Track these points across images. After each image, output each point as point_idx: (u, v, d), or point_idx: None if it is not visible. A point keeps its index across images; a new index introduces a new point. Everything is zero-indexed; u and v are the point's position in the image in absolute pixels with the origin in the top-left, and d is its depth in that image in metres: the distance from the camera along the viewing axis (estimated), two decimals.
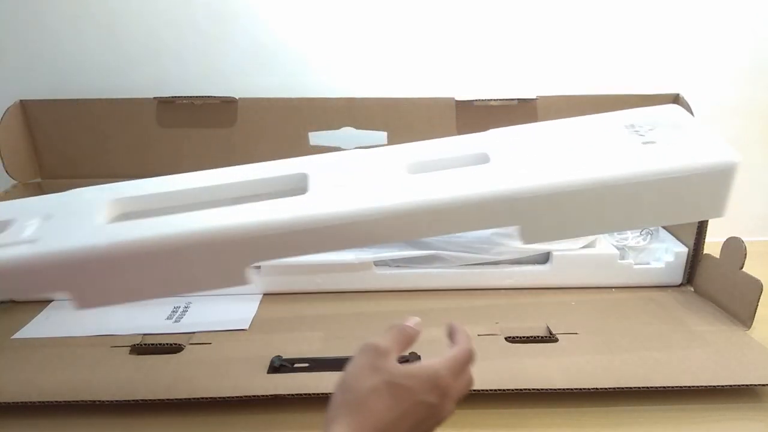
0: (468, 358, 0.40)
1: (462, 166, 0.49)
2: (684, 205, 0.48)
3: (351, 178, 0.49)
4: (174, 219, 0.46)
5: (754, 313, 0.64)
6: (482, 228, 0.48)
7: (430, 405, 0.36)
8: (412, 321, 0.42)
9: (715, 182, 0.48)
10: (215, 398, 0.52)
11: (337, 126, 0.81)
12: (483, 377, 0.55)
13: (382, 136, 0.82)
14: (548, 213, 0.46)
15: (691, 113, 0.76)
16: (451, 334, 0.43)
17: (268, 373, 0.56)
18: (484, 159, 0.50)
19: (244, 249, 0.45)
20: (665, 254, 0.75)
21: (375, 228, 0.46)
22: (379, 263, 0.73)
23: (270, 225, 0.44)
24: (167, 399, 0.53)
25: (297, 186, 0.50)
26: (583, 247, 0.74)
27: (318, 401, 0.53)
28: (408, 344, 0.40)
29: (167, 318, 0.67)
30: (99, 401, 0.53)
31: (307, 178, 0.49)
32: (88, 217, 0.47)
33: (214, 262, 0.46)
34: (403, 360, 0.57)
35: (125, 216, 0.50)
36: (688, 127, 0.51)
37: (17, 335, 0.64)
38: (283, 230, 0.45)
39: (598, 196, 0.45)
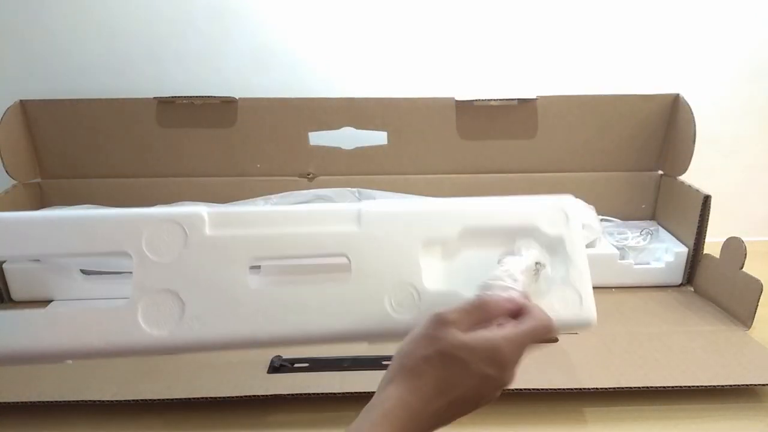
0: (545, 334, 0.38)
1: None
2: None
3: None
4: None
5: (754, 313, 0.64)
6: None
7: (485, 376, 0.35)
8: (504, 292, 0.39)
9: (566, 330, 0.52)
10: (215, 398, 0.52)
11: (337, 126, 0.81)
12: None
13: (382, 135, 0.82)
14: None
15: (691, 113, 0.77)
16: (521, 310, 0.39)
17: (268, 373, 0.56)
18: (343, 259, 0.49)
19: None
20: (665, 254, 0.75)
21: None
22: None
23: None
24: (167, 399, 0.52)
25: None
26: None
27: (318, 401, 0.53)
28: (484, 319, 0.37)
29: None
30: (99, 401, 0.53)
31: None
32: None
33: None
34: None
35: None
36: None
37: None
38: None
39: None
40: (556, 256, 0.48)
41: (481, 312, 0.38)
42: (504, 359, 0.36)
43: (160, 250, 0.44)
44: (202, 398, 0.52)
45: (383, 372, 0.55)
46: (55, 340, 0.42)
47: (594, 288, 0.74)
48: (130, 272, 0.67)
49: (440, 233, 0.48)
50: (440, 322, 0.36)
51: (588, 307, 0.49)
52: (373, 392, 0.53)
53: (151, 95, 0.80)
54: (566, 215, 0.48)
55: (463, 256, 0.49)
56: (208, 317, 0.43)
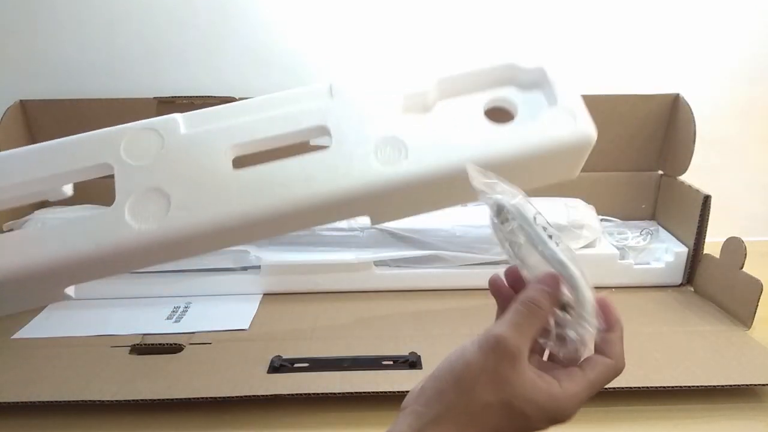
0: (613, 377, 0.33)
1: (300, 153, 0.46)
2: (535, 176, 0.48)
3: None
4: None
5: (754, 313, 0.64)
6: (323, 223, 0.46)
7: (537, 429, 0.32)
8: (551, 282, 0.34)
9: (570, 155, 0.49)
10: (215, 398, 0.52)
11: None
12: None
13: None
14: (397, 201, 0.45)
15: (691, 113, 0.77)
16: (604, 342, 0.34)
17: (268, 373, 0.56)
18: (323, 132, 0.47)
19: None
20: (665, 254, 0.75)
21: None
22: (379, 263, 0.73)
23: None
24: (167, 399, 0.53)
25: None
26: (583, 247, 0.74)
27: (318, 401, 0.53)
28: (544, 321, 0.33)
29: (167, 318, 0.67)
30: (99, 401, 0.53)
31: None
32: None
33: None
34: (404, 360, 0.57)
35: None
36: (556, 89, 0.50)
37: (17, 335, 0.64)
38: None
39: (444, 183, 0.44)
40: (540, 88, 0.47)
41: (537, 317, 0.33)
42: (566, 418, 0.32)
43: (140, 155, 0.45)
44: (202, 398, 0.52)
45: (383, 372, 0.56)
46: (44, 251, 0.41)
47: (594, 288, 0.74)
48: (130, 272, 0.67)
49: (417, 87, 0.46)
50: (506, 355, 0.31)
51: (583, 120, 0.47)
52: (374, 392, 0.53)
53: (151, 95, 0.80)
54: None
55: (444, 105, 0.47)
56: (194, 205, 0.42)
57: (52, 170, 0.45)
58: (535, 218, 0.34)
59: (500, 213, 0.35)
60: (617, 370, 0.33)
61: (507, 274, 0.37)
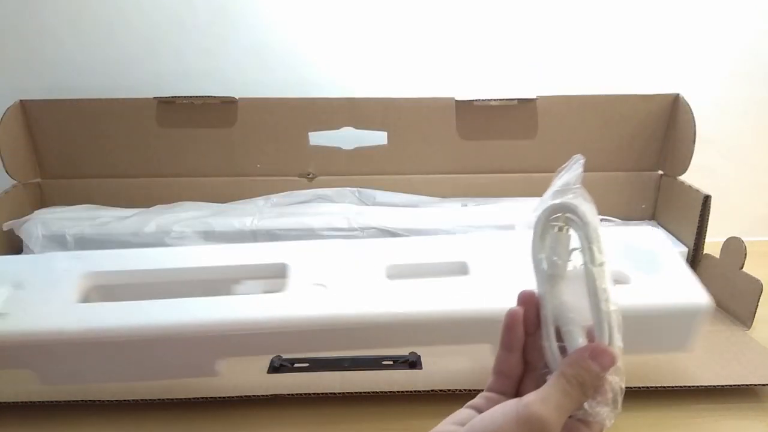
0: None
1: (440, 275, 0.49)
2: (651, 340, 0.49)
3: (330, 276, 0.49)
4: (146, 307, 0.45)
5: (754, 313, 0.64)
6: (456, 343, 0.48)
7: None
8: (607, 363, 0.29)
9: (685, 321, 0.49)
10: (215, 398, 0.52)
11: (337, 126, 0.81)
12: (483, 378, 0.55)
13: (382, 135, 0.82)
14: None
15: (691, 113, 0.77)
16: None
17: (268, 373, 0.56)
18: (463, 269, 0.50)
19: (215, 345, 0.45)
20: None
21: (351, 334, 0.46)
22: None
23: (243, 323, 0.44)
24: (167, 399, 0.52)
25: (276, 274, 0.50)
26: None
27: (318, 401, 0.53)
28: (581, 405, 0.29)
29: (518, 299, 0.66)
30: (99, 401, 0.52)
31: (286, 270, 0.50)
32: (59, 292, 0.46)
33: (184, 355, 0.45)
34: (404, 360, 0.57)
35: (98, 290, 0.49)
36: (662, 258, 0.51)
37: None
38: (256, 329, 0.44)
39: None
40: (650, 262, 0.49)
41: (580, 402, 0.29)
42: None
43: None
44: (202, 398, 0.52)
45: (383, 372, 0.56)
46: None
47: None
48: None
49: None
50: None
51: (695, 288, 0.48)
52: (373, 392, 0.53)
53: (151, 95, 0.80)
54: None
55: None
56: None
57: None
58: (600, 253, 0.29)
59: (564, 213, 0.29)
60: None
61: (524, 303, 0.32)
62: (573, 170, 0.31)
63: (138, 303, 0.46)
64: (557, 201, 0.30)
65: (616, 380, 0.29)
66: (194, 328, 0.44)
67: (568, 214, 0.29)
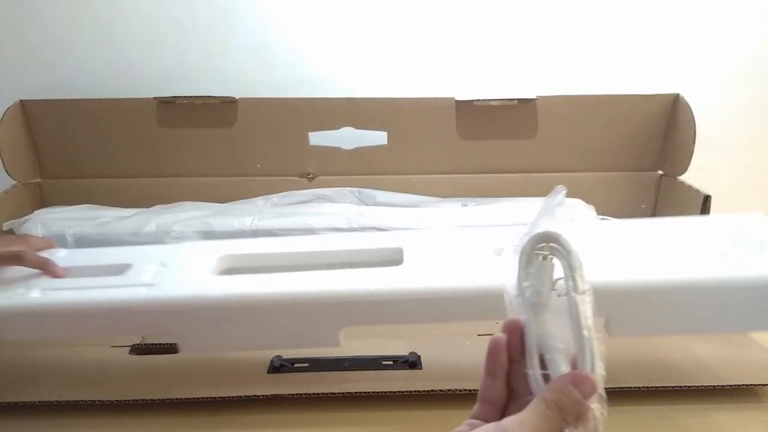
0: None
1: None
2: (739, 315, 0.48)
3: (443, 256, 0.52)
4: (278, 278, 0.49)
5: None
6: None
7: None
8: (588, 390, 0.29)
9: None
10: (215, 398, 0.52)
11: (337, 126, 0.81)
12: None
13: (382, 136, 0.82)
14: (635, 307, 0.47)
15: (691, 113, 0.77)
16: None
17: (268, 373, 0.56)
18: None
19: (340, 313, 0.48)
20: None
21: (464, 305, 0.47)
22: None
23: (365, 292, 0.47)
24: (167, 399, 0.52)
25: (392, 258, 0.52)
26: None
27: (318, 401, 0.53)
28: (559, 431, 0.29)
29: (501, 327, 0.66)
30: (99, 401, 0.52)
31: (402, 252, 0.52)
32: (199, 268, 0.51)
33: (310, 323, 0.48)
34: (404, 360, 0.57)
35: (231, 271, 0.54)
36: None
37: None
38: (377, 298, 0.47)
39: (684, 295, 0.47)
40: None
41: (560, 428, 0.29)
42: None
43: None
44: (202, 398, 0.52)
45: (383, 372, 0.56)
46: None
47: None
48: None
49: None
50: None
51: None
52: (373, 392, 0.53)
53: (151, 95, 0.80)
54: None
55: None
56: None
57: None
58: (584, 283, 0.29)
59: (548, 243, 0.30)
60: None
61: (508, 330, 0.32)
62: (556, 200, 0.32)
63: (270, 275, 0.50)
64: (541, 231, 0.30)
65: (598, 408, 0.29)
66: (321, 295, 0.47)
67: (552, 244, 0.30)
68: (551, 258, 0.30)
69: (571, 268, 0.29)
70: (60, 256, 0.54)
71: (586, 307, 0.29)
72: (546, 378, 0.30)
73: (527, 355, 0.31)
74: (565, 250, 0.29)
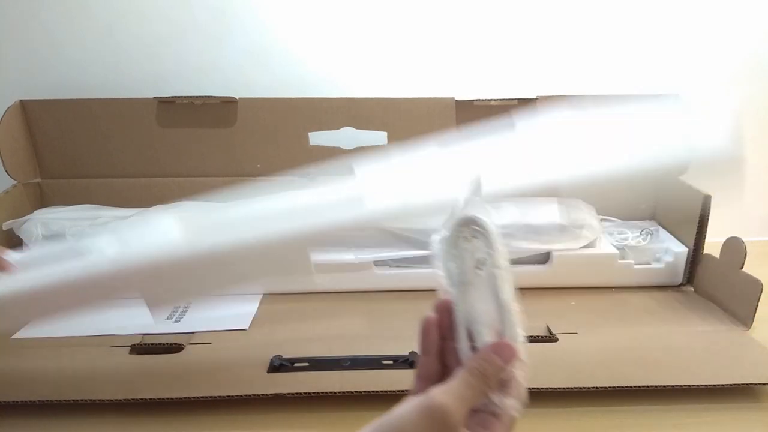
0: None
1: None
2: None
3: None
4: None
5: (754, 313, 0.64)
6: None
7: None
8: (508, 357, 0.32)
9: None
10: (215, 398, 0.52)
11: (337, 126, 0.81)
12: None
13: (382, 136, 0.82)
14: None
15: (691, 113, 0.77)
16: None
17: (268, 372, 0.56)
18: None
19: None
20: (665, 254, 0.75)
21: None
22: (379, 263, 0.73)
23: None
24: (167, 399, 0.52)
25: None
26: (583, 247, 0.74)
27: (318, 401, 0.53)
28: (487, 395, 0.32)
29: (167, 318, 0.67)
30: (99, 401, 0.53)
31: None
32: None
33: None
34: (404, 360, 0.57)
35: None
36: None
37: (17, 335, 0.64)
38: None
39: None
40: None
41: (484, 394, 0.32)
42: None
43: None
44: (202, 398, 0.52)
45: (383, 372, 0.56)
46: None
47: (594, 288, 0.74)
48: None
49: None
50: (447, 428, 0.30)
51: None
52: (373, 392, 0.53)
53: (151, 95, 0.80)
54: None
55: None
56: None
57: None
58: (503, 259, 0.32)
59: (469, 226, 0.32)
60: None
61: (439, 310, 0.35)
62: (475, 185, 0.34)
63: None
64: (463, 215, 0.33)
65: (521, 374, 0.32)
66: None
67: (472, 226, 0.32)
68: (473, 239, 0.33)
69: (491, 246, 0.32)
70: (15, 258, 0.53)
71: (505, 281, 0.32)
72: (474, 351, 0.33)
73: (455, 330, 0.33)
74: (485, 230, 0.32)
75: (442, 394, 0.30)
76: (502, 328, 0.32)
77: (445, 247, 0.33)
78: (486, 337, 0.33)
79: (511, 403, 0.32)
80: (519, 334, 0.32)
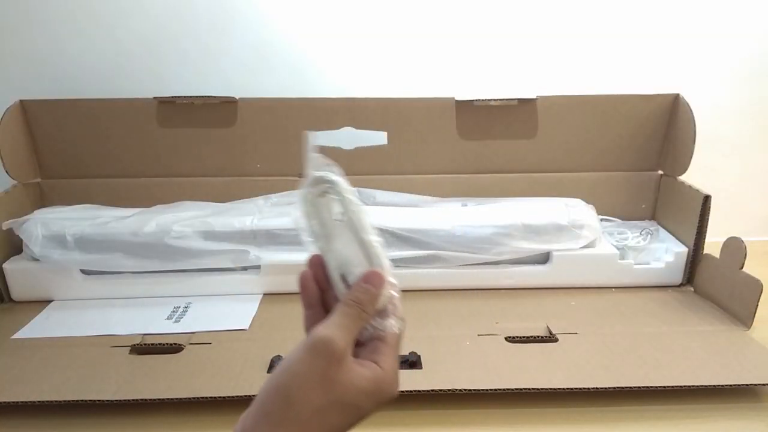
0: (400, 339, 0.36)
1: None
2: None
3: None
4: None
5: (754, 313, 0.64)
6: None
7: (370, 411, 0.34)
8: (379, 283, 0.34)
9: None
10: (215, 398, 0.52)
11: (337, 126, 0.81)
12: (483, 377, 0.55)
13: (382, 135, 0.82)
14: None
15: (691, 113, 0.77)
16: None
17: (268, 372, 0.56)
18: None
19: None
20: (665, 254, 0.75)
21: None
22: None
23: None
24: (167, 399, 0.52)
25: None
26: (583, 247, 0.74)
27: None
28: (367, 321, 0.34)
29: (167, 318, 0.67)
30: (99, 401, 0.53)
31: None
32: None
33: None
34: (404, 360, 0.57)
35: None
36: None
37: (17, 335, 0.64)
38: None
39: None
40: None
41: (363, 320, 0.34)
42: (395, 394, 0.34)
43: None
44: (202, 398, 0.52)
45: None
46: None
47: (594, 288, 0.74)
48: (130, 272, 0.68)
49: None
50: (334, 357, 0.31)
51: None
52: None
53: (151, 95, 0.80)
54: None
55: None
56: None
57: None
58: (358, 207, 0.35)
59: (320, 184, 0.35)
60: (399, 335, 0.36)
61: (311, 265, 0.37)
62: (311, 147, 0.36)
63: None
64: (313, 174, 0.35)
65: (392, 293, 0.35)
66: None
67: (324, 184, 0.35)
68: (327, 195, 0.35)
69: (342, 194, 0.35)
70: None
71: (362, 219, 0.35)
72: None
73: (331, 278, 0.36)
74: (334, 182, 0.35)
75: (323, 327, 0.32)
76: (369, 262, 0.35)
77: (304, 208, 0.36)
78: (358, 276, 0.35)
79: (390, 323, 0.35)
80: (384, 262, 0.35)
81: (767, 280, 0.63)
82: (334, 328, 0.32)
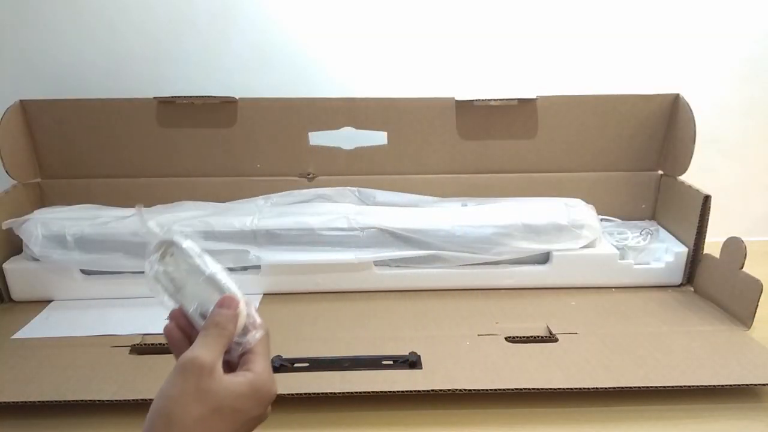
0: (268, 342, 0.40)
1: None
2: None
3: None
4: None
5: (754, 313, 0.64)
6: None
7: (258, 417, 0.37)
8: (232, 305, 0.37)
9: None
10: None
11: (337, 126, 0.81)
12: (483, 377, 0.55)
13: (382, 136, 0.82)
14: None
15: (691, 113, 0.77)
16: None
17: None
18: None
19: None
20: (665, 254, 0.75)
21: None
22: (379, 263, 0.73)
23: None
24: None
25: None
26: (583, 247, 0.74)
27: (318, 401, 0.53)
28: (230, 339, 0.37)
29: (167, 318, 0.67)
30: (99, 401, 0.53)
31: None
32: None
33: None
34: (404, 360, 0.57)
35: None
36: None
37: (17, 335, 0.64)
38: None
39: None
40: None
41: (227, 335, 0.36)
42: (273, 393, 0.37)
43: None
44: None
45: (383, 372, 0.56)
46: None
47: (594, 288, 0.74)
48: (130, 272, 0.68)
49: None
50: (203, 370, 0.34)
51: None
52: (374, 392, 0.53)
53: (151, 95, 0.80)
54: None
55: None
56: None
57: None
58: (196, 253, 0.39)
59: (160, 248, 0.39)
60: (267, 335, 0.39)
61: (172, 317, 0.39)
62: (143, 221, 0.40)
63: None
64: (157, 241, 0.40)
65: (246, 307, 0.38)
66: None
67: (162, 247, 0.39)
68: (167, 255, 0.39)
69: (179, 248, 0.39)
70: None
71: (203, 259, 0.39)
72: None
73: (192, 321, 0.39)
74: (167, 241, 0.39)
75: (188, 351, 0.35)
76: (220, 292, 0.38)
77: (152, 274, 0.39)
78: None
79: (253, 335, 0.38)
80: (232, 286, 0.38)
81: (767, 280, 0.63)
82: (198, 348, 0.35)
